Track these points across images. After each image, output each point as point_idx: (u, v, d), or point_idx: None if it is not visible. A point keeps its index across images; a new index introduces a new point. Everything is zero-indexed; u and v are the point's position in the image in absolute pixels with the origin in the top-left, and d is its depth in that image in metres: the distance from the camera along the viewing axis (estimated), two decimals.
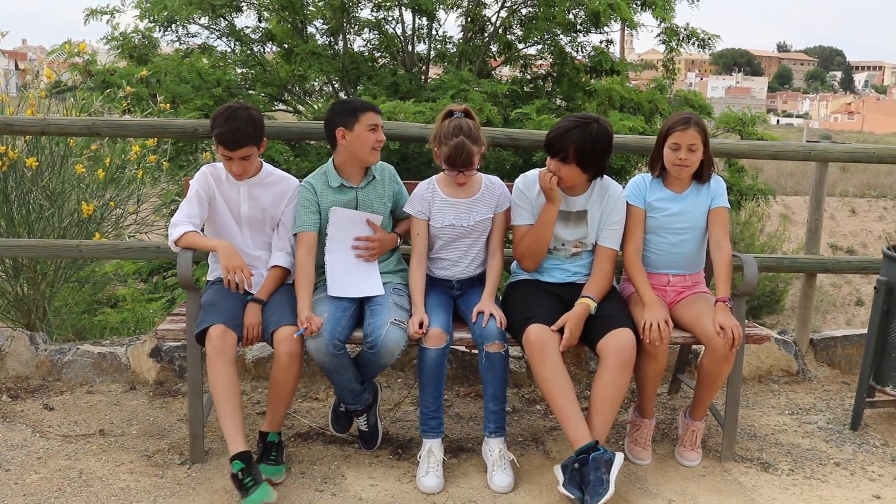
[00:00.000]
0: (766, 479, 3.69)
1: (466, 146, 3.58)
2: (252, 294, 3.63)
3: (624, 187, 3.87)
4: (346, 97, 10.29)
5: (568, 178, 3.64)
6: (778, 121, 77.79)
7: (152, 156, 5.80)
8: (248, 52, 10.34)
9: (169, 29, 10.22)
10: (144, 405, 4.32)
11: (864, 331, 4.59)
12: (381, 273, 3.80)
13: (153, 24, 9.89)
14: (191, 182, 3.76)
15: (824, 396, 4.72)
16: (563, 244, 3.79)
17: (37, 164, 5.25)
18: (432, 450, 3.59)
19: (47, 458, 3.71)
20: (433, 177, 3.85)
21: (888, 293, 4.13)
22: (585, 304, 3.58)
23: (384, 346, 3.44)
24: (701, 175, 3.80)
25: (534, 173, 3.80)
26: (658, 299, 3.66)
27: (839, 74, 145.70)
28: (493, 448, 3.59)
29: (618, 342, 3.46)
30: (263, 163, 3.81)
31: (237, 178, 3.69)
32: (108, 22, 10.20)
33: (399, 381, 4.64)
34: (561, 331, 3.53)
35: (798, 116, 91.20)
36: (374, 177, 3.81)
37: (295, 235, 3.75)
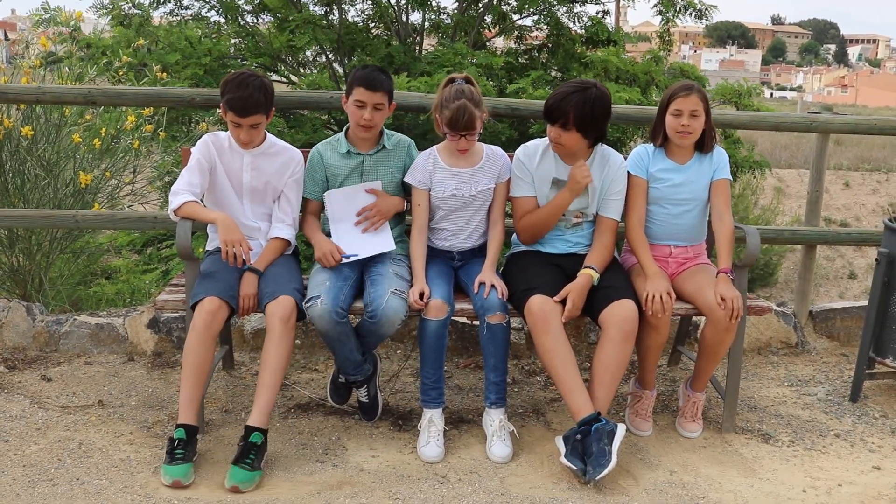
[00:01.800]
0: (766, 451, 3.69)
1: (469, 108, 3.56)
2: (248, 263, 3.61)
3: (624, 158, 3.85)
4: (340, 68, 10.22)
5: (569, 143, 3.61)
6: (772, 94, 77.70)
7: (149, 125, 5.73)
8: (241, 22, 10.23)
9: (162, 2, 10.10)
10: (143, 376, 4.31)
11: (864, 303, 4.60)
12: None
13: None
14: (192, 150, 3.71)
15: (823, 368, 4.73)
16: (563, 214, 3.77)
17: (32, 133, 5.19)
18: (433, 419, 3.59)
19: (46, 429, 3.69)
20: (434, 147, 3.82)
21: (889, 265, 4.12)
22: (588, 274, 3.57)
23: (384, 315, 3.43)
24: (703, 145, 3.78)
25: (534, 144, 3.78)
26: (660, 271, 3.65)
27: (833, 48, 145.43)
28: (494, 419, 3.59)
29: (620, 313, 3.45)
30: (267, 133, 3.78)
31: (244, 146, 3.65)
32: None
33: (398, 352, 4.62)
34: (563, 302, 3.52)
35: (792, 90, 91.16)
36: (384, 146, 3.78)
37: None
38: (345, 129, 3.81)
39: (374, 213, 3.76)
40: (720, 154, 3.83)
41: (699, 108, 3.67)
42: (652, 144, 3.85)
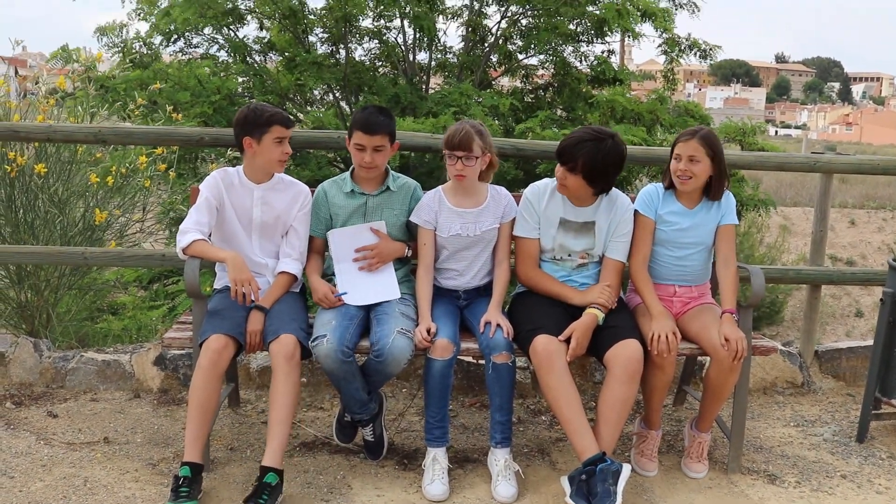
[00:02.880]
0: (772, 492, 3.68)
1: (466, 128, 3.64)
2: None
3: (629, 197, 3.87)
4: (347, 107, 10.31)
5: (573, 187, 3.65)
6: (776, 131, 77.88)
7: (162, 164, 5.79)
8: (250, 61, 10.36)
9: (173, 40, 10.25)
10: (149, 413, 4.31)
11: (870, 342, 4.59)
12: None
13: (161, 38, 9.94)
14: (200, 187, 3.76)
15: (829, 408, 4.72)
16: (569, 254, 3.79)
17: (45, 171, 5.24)
18: (437, 457, 3.59)
19: (52, 465, 3.69)
20: (439, 186, 3.85)
21: (894, 305, 4.13)
22: (593, 314, 3.58)
23: (391, 354, 3.44)
24: (710, 191, 3.79)
25: (543, 183, 3.81)
26: (665, 310, 3.66)
27: (837, 85, 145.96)
28: (499, 458, 3.58)
29: (625, 353, 3.46)
30: None
31: (282, 163, 3.74)
32: (117, 33, 10.23)
33: (404, 390, 4.63)
34: (568, 340, 3.53)
35: (796, 127, 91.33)
36: (388, 187, 3.82)
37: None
38: (351, 168, 3.86)
39: (374, 254, 3.78)
40: (728, 198, 3.84)
41: (699, 154, 3.67)
42: (662, 184, 3.87)
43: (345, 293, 3.69)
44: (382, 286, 3.76)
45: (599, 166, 3.58)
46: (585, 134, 3.61)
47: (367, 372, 3.62)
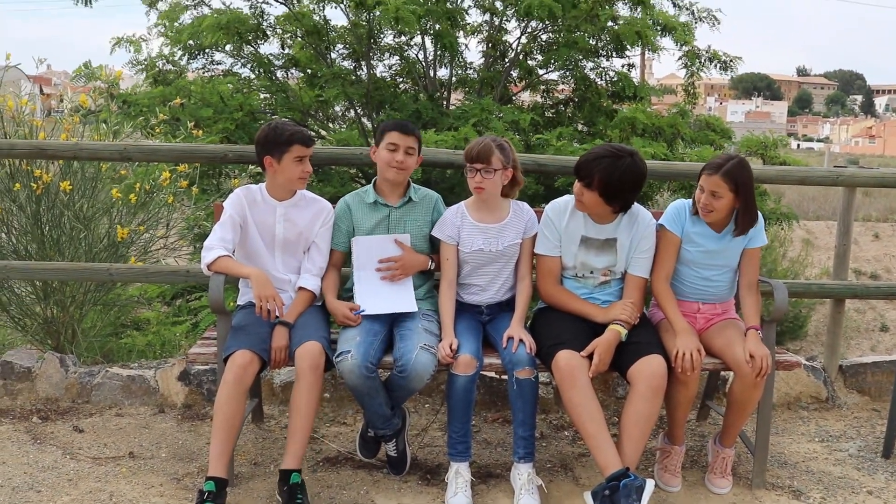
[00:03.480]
0: None
1: (486, 142, 3.68)
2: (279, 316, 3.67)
3: (651, 212, 3.86)
4: (369, 123, 10.36)
5: (589, 204, 3.65)
6: (798, 145, 77.45)
7: (184, 181, 5.85)
8: (272, 77, 10.43)
9: (195, 57, 10.33)
10: (173, 428, 4.35)
11: (894, 357, 4.56)
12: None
13: (182, 53, 10.01)
14: (224, 205, 3.80)
15: (855, 423, 4.68)
16: (591, 272, 3.79)
17: (70, 187, 5.31)
18: (460, 471, 3.60)
19: (78, 480, 3.73)
20: (462, 202, 3.87)
21: None
22: (616, 330, 3.58)
23: (414, 370, 3.45)
24: (737, 224, 3.72)
25: (564, 201, 3.81)
26: (689, 326, 3.65)
27: (860, 98, 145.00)
28: (522, 473, 3.58)
29: (649, 369, 3.45)
30: None
31: (303, 180, 3.77)
32: (135, 51, 10.35)
33: (427, 406, 4.63)
34: (590, 356, 3.53)
35: (818, 140, 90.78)
36: (410, 198, 3.85)
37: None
38: (373, 181, 3.89)
39: (398, 266, 3.81)
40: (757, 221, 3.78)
41: (721, 190, 3.60)
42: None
43: (362, 311, 3.71)
44: (399, 298, 3.78)
45: (616, 184, 3.57)
46: (604, 151, 3.61)
47: (390, 387, 3.63)
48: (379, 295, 3.77)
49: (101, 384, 4.65)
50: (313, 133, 10.55)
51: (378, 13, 8.79)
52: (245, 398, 3.50)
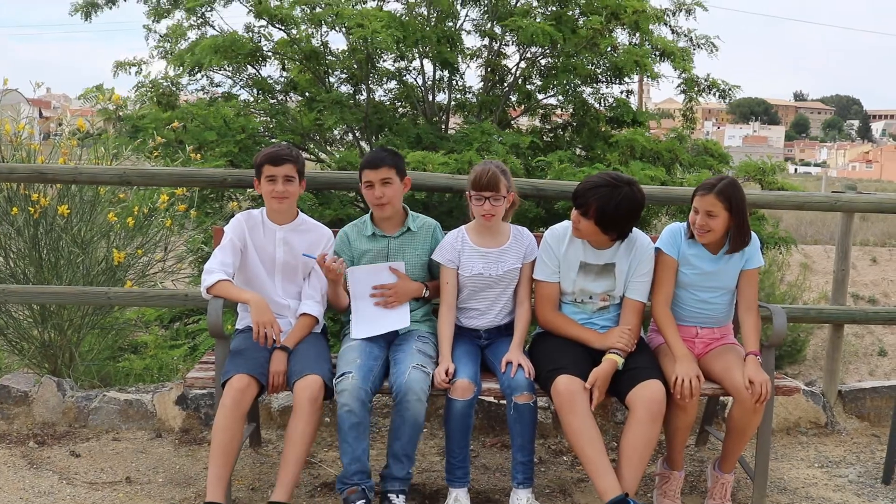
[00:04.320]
0: None
1: (493, 169, 3.67)
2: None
3: (650, 237, 3.87)
4: (368, 146, 10.39)
5: (585, 232, 3.66)
6: (796, 169, 77.60)
7: (182, 205, 5.85)
8: (272, 100, 10.48)
9: (195, 76, 10.38)
10: (170, 453, 4.32)
11: (894, 382, 4.55)
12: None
13: (181, 70, 10.03)
14: (225, 229, 3.81)
15: (854, 449, 4.67)
16: (590, 297, 3.79)
17: (68, 211, 5.31)
18: (459, 498, 3.59)
19: None
20: (462, 226, 3.88)
21: None
22: (612, 360, 3.57)
23: (408, 387, 3.43)
24: (731, 243, 3.73)
25: (563, 227, 3.82)
26: (689, 353, 3.64)
27: (856, 123, 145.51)
28: (522, 498, 3.57)
29: (647, 394, 3.45)
30: (299, 211, 3.88)
31: (279, 204, 3.74)
32: (136, 73, 10.41)
33: (425, 430, 4.60)
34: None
35: (816, 165, 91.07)
36: (408, 228, 3.85)
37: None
38: (370, 212, 3.89)
39: (392, 293, 3.80)
40: (752, 241, 3.79)
41: (715, 209, 3.62)
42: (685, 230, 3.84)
43: (356, 336, 3.72)
44: (392, 319, 3.78)
45: (611, 213, 3.57)
46: (601, 180, 3.61)
47: (394, 427, 3.54)
48: (373, 321, 3.76)
49: (99, 408, 4.63)
50: (311, 156, 10.59)
51: (370, 39, 8.84)
52: (243, 422, 3.48)
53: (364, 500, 3.43)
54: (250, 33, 9.99)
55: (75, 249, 5.53)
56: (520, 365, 3.59)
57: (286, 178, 3.71)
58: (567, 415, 3.46)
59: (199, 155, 7.23)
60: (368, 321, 3.77)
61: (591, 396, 3.50)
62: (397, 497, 3.54)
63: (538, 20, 9.51)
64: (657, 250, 3.79)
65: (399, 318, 3.79)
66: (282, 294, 3.83)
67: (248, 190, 6.34)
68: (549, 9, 10.12)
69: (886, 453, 4.24)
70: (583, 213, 3.61)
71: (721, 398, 4.46)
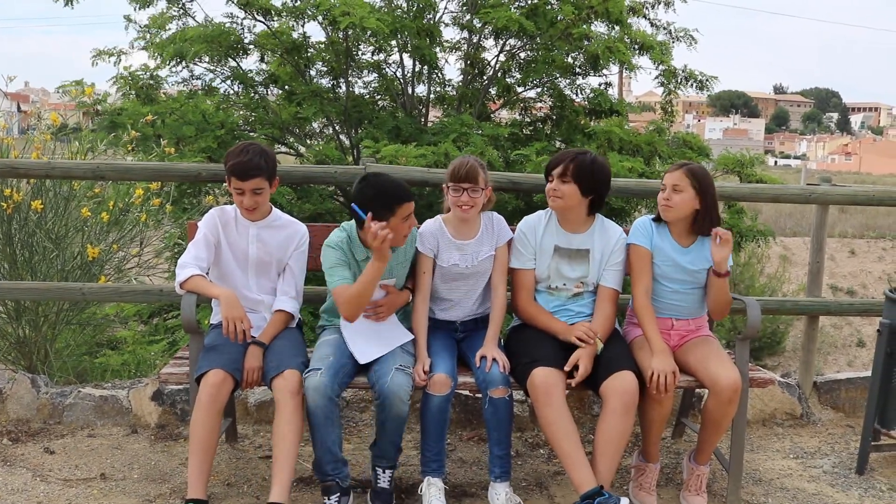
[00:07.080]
0: None
1: (471, 161, 3.69)
2: (254, 337, 3.63)
3: (625, 229, 3.88)
4: (347, 140, 10.34)
5: (568, 195, 3.67)
6: (776, 162, 78.02)
7: (156, 199, 5.82)
8: (252, 94, 10.41)
9: (175, 69, 10.27)
10: (146, 449, 4.30)
11: (868, 373, 4.58)
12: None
13: (162, 61, 9.93)
14: (199, 224, 3.78)
15: (829, 440, 4.70)
16: (564, 283, 3.80)
17: (42, 206, 5.27)
18: (432, 482, 3.58)
19: (48, 502, 3.68)
20: (439, 216, 3.87)
21: (891, 336, 4.13)
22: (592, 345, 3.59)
23: (391, 391, 3.42)
24: (699, 226, 3.76)
25: (536, 216, 3.84)
26: (666, 347, 3.65)
27: (836, 116, 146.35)
28: (500, 492, 3.57)
29: (621, 385, 3.46)
30: (272, 206, 3.85)
31: (249, 213, 3.71)
32: (115, 64, 10.29)
33: None
34: (568, 372, 3.53)
35: (795, 157, 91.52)
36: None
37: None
38: (354, 231, 3.71)
39: (384, 309, 3.77)
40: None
41: (682, 184, 3.67)
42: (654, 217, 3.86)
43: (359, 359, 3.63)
44: (391, 336, 3.72)
45: (588, 171, 3.66)
46: (570, 150, 3.75)
47: (378, 423, 3.55)
48: (370, 340, 3.70)
49: (73, 405, 4.60)
50: (291, 149, 10.54)
51: (350, 32, 8.79)
52: (220, 417, 3.46)
53: (338, 493, 3.46)
54: (233, 24, 9.91)
55: (49, 245, 5.49)
56: (494, 359, 3.59)
57: (254, 192, 3.64)
58: (543, 407, 3.46)
59: (174, 149, 7.17)
60: (365, 342, 3.66)
61: (573, 375, 3.52)
62: (384, 473, 3.62)
63: (513, 10, 9.48)
64: (630, 245, 3.80)
65: (401, 333, 3.76)
66: (255, 290, 3.81)
67: (225, 184, 6.30)
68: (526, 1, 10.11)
69: (860, 444, 4.28)
70: (561, 175, 3.66)
71: (696, 390, 4.47)
